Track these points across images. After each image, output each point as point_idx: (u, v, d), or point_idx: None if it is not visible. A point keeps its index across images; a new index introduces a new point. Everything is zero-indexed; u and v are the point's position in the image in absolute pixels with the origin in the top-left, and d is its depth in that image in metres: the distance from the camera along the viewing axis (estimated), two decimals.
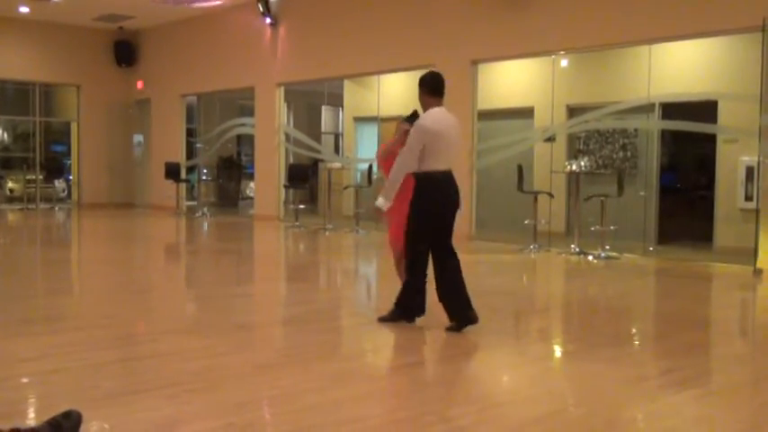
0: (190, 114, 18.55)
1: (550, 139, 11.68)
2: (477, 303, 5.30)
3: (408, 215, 5.42)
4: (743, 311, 7.13)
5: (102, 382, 4.09)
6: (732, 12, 8.86)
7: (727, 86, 10.21)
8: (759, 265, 8.36)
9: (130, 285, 7.83)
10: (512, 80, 13.12)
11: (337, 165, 15.18)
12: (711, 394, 4.24)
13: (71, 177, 19.27)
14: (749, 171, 9.91)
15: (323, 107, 19.31)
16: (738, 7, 8.79)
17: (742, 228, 9.71)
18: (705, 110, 10.34)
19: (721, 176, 10.64)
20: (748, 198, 9.98)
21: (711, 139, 10.64)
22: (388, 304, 5.67)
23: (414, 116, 5.78)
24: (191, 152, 18.18)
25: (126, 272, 8.87)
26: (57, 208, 17.85)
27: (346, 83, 16.03)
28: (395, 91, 15.09)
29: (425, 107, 5.66)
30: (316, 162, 16.20)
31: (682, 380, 4.37)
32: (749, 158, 9.77)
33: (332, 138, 19.52)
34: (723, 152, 10.59)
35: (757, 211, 8.63)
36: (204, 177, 18.04)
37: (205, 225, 15.08)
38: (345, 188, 14.61)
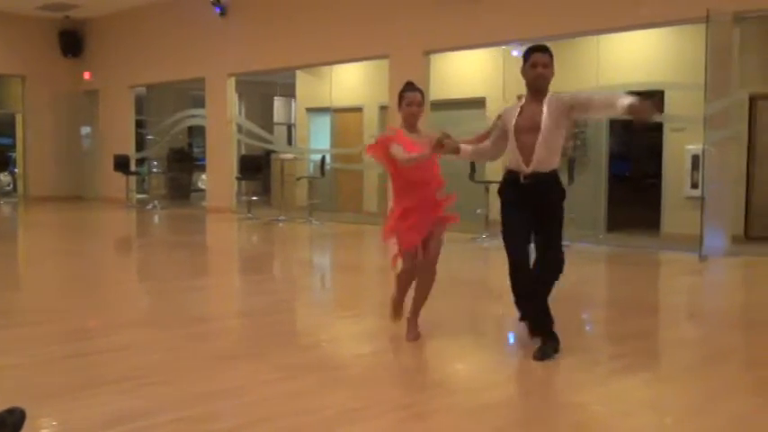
0: (139, 105, 18.26)
1: None
2: (432, 293, 5.32)
3: (559, 219, 4.56)
4: (690, 297, 7.30)
5: (54, 378, 4.02)
6: (677, 3, 9.03)
7: (673, 76, 10.41)
8: (704, 251, 8.57)
9: (83, 279, 7.69)
10: (463, 71, 13.19)
11: (290, 156, 15.11)
12: (660, 378, 4.34)
13: (16, 170, 18.82)
14: (695, 159, 10.13)
15: (275, 98, 19.20)
16: None
17: (688, 215, 9.93)
18: (652, 99, 10.52)
19: (668, 165, 10.86)
20: (694, 186, 10.21)
21: (659, 128, 10.84)
22: (344, 296, 5.67)
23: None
24: (141, 144, 17.91)
25: (78, 265, 8.71)
26: (2, 202, 17.42)
27: (299, 73, 15.95)
28: (348, 82, 15.07)
29: (547, 90, 4.57)
30: (268, 153, 16.10)
31: (631, 365, 4.47)
32: (695, 147, 9.99)
33: (284, 129, 19.43)
34: (670, 141, 10.81)
35: (702, 198, 8.84)
36: (155, 169, 17.79)
37: (156, 218, 14.88)
38: (298, 179, 14.56)
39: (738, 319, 6.16)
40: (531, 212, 4.47)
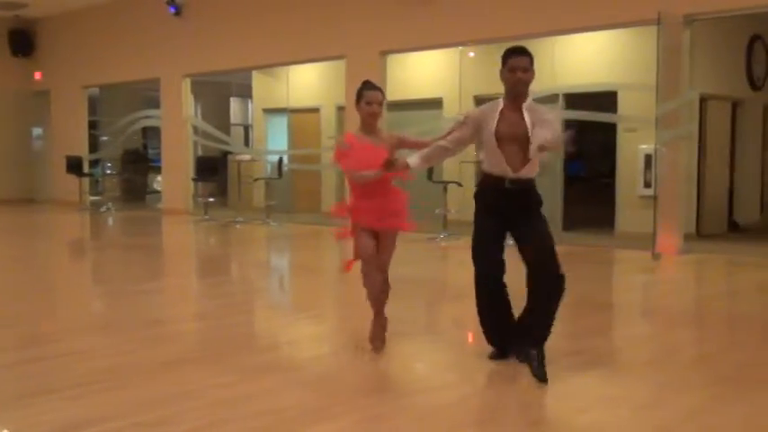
0: (92, 106, 17.95)
1: None
2: (390, 292, 5.33)
3: (543, 222, 4.30)
4: (644, 294, 7.42)
5: (3, 385, 3.94)
6: (629, 5, 9.17)
7: (625, 77, 10.56)
8: (657, 249, 8.72)
9: (34, 283, 7.54)
10: (420, 71, 13.23)
11: (247, 157, 15.01)
12: (616, 374, 4.40)
13: None
14: (647, 159, 10.30)
15: (231, 99, 19.05)
16: (635, 1, 9.11)
17: (642, 214, 10.10)
18: (606, 100, 10.69)
19: (622, 164, 11.02)
20: (647, 185, 10.37)
21: (612, 128, 11.00)
22: (302, 297, 5.63)
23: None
24: (94, 145, 17.61)
25: (29, 269, 8.53)
26: None
27: (255, 74, 15.84)
28: (304, 82, 15.01)
29: (526, 96, 4.31)
30: (225, 154, 15.97)
31: (587, 361, 4.52)
32: (647, 147, 10.15)
33: (241, 129, 19.29)
34: (623, 141, 10.97)
35: (655, 197, 9.00)
36: (109, 171, 17.51)
37: (110, 220, 14.66)
38: (255, 180, 14.46)
39: (690, 315, 6.28)
40: (508, 220, 4.24)
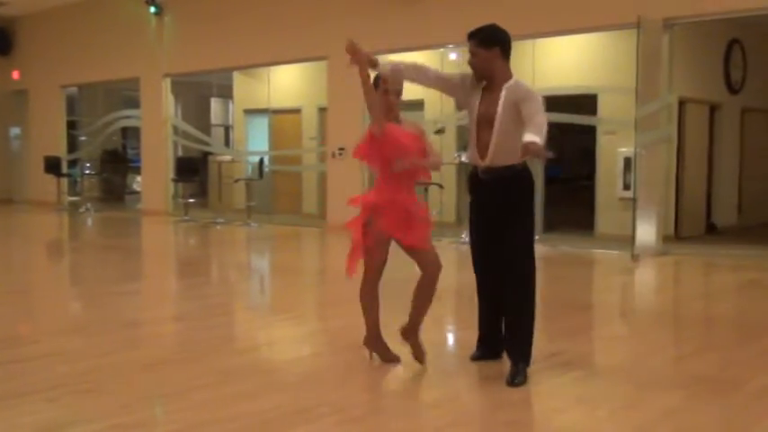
0: (71, 106, 17.81)
1: (440, 131, 11.85)
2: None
3: (520, 224, 4.03)
4: (622, 295, 7.48)
5: None
6: (609, 9, 9.24)
7: (605, 81, 10.63)
8: (636, 250, 8.78)
9: (10, 285, 7.46)
10: None
11: (227, 157, 14.96)
12: (593, 375, 4.42)
13: None
14: (627, 161, 10.37)
15: (212, 99, 18.97)
16: (615, 5, 9.17)
17: (621, 215, 10.16)
18: (586, 103, 10.75)
19: (602, 167, 11.09)
20: (626, 187, 10.44)
21: (592, 131, 11.07)
22: (282, 298, 5.61)
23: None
24: (73, 145, 17.47)
25: (4, 271, 8.45)
26: None
27: (236, 74, 15.78)
28: (286, 83, 14.98)
29: (499, 77, 4.04)
30: (205, 155, 15.89)
31: (565, 362, 4.54)
32: (627, 149, 10.23)
33: (222, 130, 19.22)
34: (603, 143, 11.04)
35: (634, 199, 9.07)
36: (87, 171, 17.37)
37: (89, 221, 14.54)
38: (236, 181, 14.40)
39: (668, 315, 6.33)
40: (494, 216, 4.06)
